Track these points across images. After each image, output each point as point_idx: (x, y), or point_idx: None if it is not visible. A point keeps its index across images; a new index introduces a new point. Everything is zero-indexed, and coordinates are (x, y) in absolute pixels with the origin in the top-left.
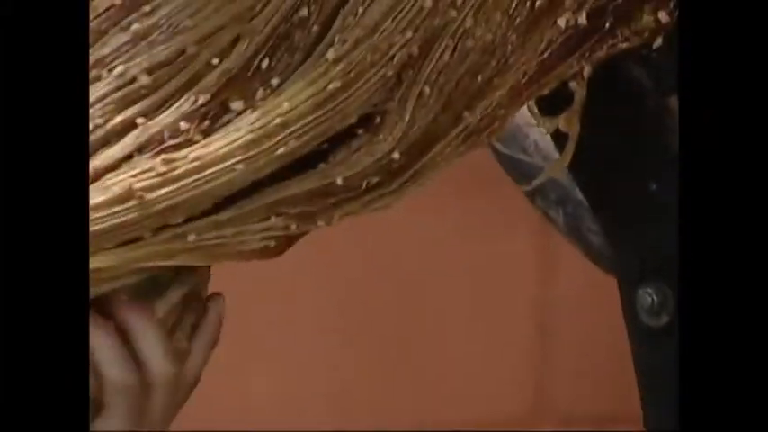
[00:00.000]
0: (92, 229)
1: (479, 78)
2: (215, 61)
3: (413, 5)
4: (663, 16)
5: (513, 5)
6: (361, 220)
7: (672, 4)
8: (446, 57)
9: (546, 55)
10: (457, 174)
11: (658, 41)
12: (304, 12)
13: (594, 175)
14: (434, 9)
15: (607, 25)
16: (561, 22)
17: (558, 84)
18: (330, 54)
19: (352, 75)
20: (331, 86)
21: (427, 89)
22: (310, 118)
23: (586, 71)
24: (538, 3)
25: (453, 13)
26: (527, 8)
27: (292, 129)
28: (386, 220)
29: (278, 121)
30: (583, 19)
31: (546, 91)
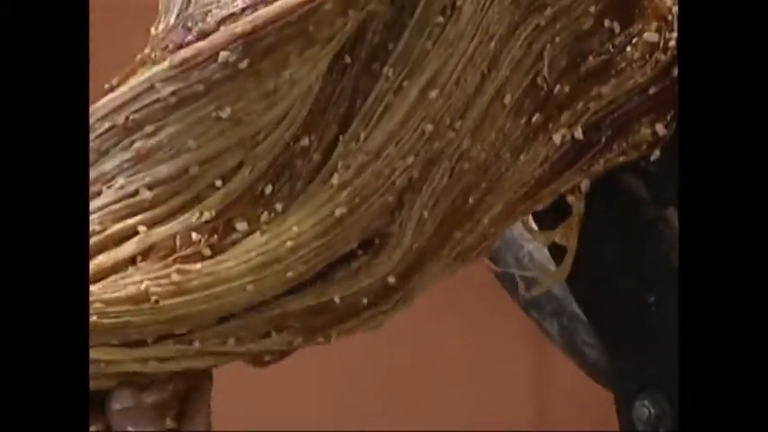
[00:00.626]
0: (101, 321)
1: (472, 198)
2: (218, 183)
3: (415, 130)
4: (660, 129)
5: (508, 123)
6: None
7: (669, 117)
8: (444, 180)
9: (541, 171)
10: (456, 284)
11: (656, 153)
12: (305, 141)
13: (591, 286)
14: (435, 133)
15: (604, 139)
16: (557, 138)
17: (554, 198)
18: (335, 180)
19: (356, 200)
20: (337, 212)
21: (426, 213)
22: (318, 243)
23: (584, 185)
24: (533, 119)
25: (452, 134)
26: (522, 125)
27: (301, 253)
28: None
29: (289, 244)
30: (579, 133)
31: (541, 206)
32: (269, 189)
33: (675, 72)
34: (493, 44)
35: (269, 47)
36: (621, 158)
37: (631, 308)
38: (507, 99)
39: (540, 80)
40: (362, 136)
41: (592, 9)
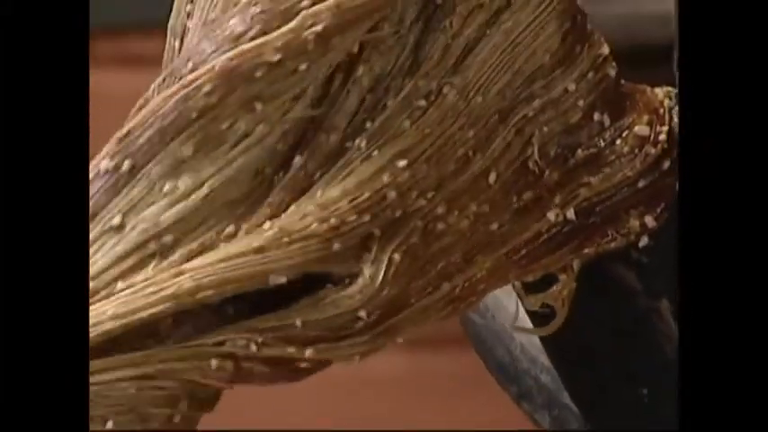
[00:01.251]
0: None
1: (456, 257)
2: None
3: (376, 192)
4: (649, 221)
5: (497, 198)
6: (353, 417)
7: (659, 210)
8: (415, 237)
9: (534, 245)
10: (446, 378)
11: (644, 240)
12: (231, 229)
13: (584, 377)
14: (399, 200)
15: (594, 225)
16: (551, 215)
17: (545, 273)
18: (266, 225)
19: (284, 239)
20: (255, 243)
21: (397, 256)
22: (224, 265)
23: (576, 264)
24: (525, 197)
25: (422, 202)
26: (513, 201)
27: (205, 272)
28: (376, 417)
29: (186, 265)
30: (571, 214)
31: (531, 278)
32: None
33: (666, 165)
34: (474, 131)
35: (148, 143)
36: (612, 245)
37: (624, 400)
38: (492, 178)
39: (531, 164)
40: (319, 194)
41: (580, 103)
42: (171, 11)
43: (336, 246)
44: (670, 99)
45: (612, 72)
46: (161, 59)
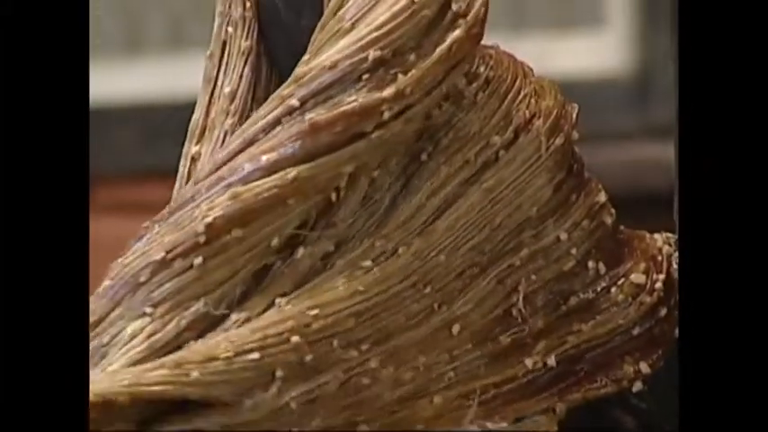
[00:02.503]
0: None
1: (385, 403)
2: None
3: (279, 334)
4: (644, 367)
5: (458, 350)
6: None
7: (655, 357)
8: (330, 387)
9: (506, 389)
10: None
11: (638, 386)
12: None
13: None
14: (308, 347)
15: (582, 372)
16: (528, 362)
17: (520, 417)
18: None
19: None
20: None
21: (294, 405)
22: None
23: (559, 408)
24: (502, 343)
25: (353, 353)
26: (486, 349)
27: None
28: None
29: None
30: (552, 361)
31: (504, 423)
32: None
33: (662, 312)
34: (432, 288)
35: None
36: (602, 391)
37: None
38: (455, 329)
39: (515, 312)
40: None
41: (573, 251)
42: (166, 158)
43: (236, 366)
44: (669, 245)
45: (609, 219)
46: (156, 206)
